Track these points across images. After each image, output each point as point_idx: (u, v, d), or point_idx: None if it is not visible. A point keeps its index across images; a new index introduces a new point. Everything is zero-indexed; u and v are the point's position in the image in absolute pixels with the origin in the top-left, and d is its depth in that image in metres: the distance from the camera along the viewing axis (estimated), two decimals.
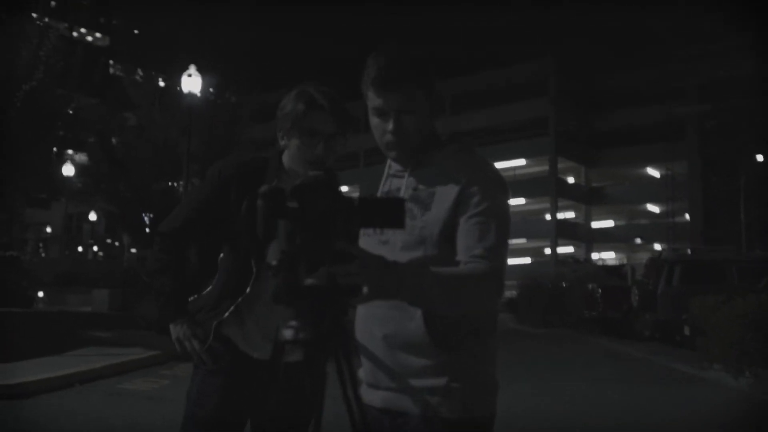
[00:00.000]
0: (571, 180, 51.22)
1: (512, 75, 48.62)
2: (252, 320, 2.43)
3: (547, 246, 46.10)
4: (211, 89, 20.93)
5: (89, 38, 71.27)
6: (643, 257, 33.90)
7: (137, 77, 22.35)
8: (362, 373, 1.98)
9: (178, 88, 17.52)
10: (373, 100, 1.95)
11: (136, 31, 65.30)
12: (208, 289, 2.53)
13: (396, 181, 2.03)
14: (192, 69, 16.33)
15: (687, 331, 13.01)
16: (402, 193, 1.99)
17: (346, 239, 1.52)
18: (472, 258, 1.79)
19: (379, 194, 2.04)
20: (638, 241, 44.73)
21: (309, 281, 1.46)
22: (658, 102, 43.14)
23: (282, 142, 2.47)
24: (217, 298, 2.46)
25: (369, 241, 1.97)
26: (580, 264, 30.32)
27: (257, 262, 2.38)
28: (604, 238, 49.47)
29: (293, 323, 1.47)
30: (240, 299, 2.41)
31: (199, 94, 17.39)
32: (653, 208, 49.47)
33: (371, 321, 1.96)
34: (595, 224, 50.91)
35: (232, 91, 21.98)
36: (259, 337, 2.41)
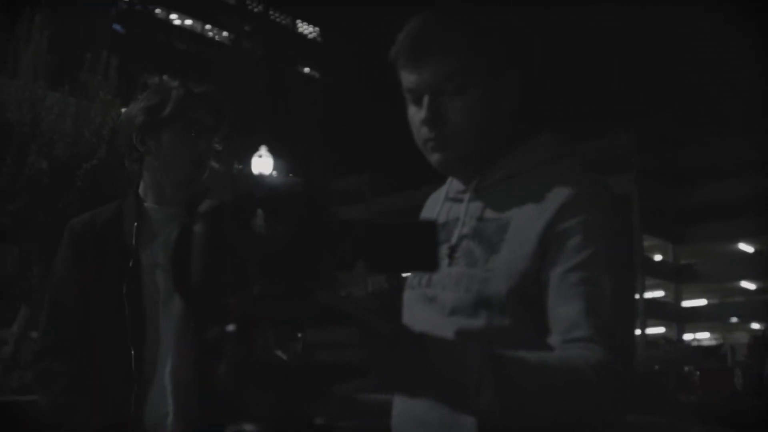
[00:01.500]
0: (658, 257, 49.58)
1: (593, 151, 47.85)
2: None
3: (635, 327, 44.28)
4: (290, 174, 21.07)
5: None
6: (741, 337, 31.99)
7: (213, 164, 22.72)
8: None
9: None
10: (405, 78, 1.29)
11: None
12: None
13: (455, 207, 1.38)
14: (263, 150, 16.35)
15: None
16: (460, 228, 1.32)
17: (337, 288, 0.94)
18: (574, 343, 1.12)
19: None
20: (734, 320, 42.63)
21: (274, 357, 0.90)
22: (747, 174, 41.68)
23: (142, 148, 1.90)
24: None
25: (413, 295, 1.36)
26: (673, 345, 28.88)
27: (137, 344, 1.73)
28: (696, 318, 47.35)
29: (248, 428, 0.90)
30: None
31: (272, 175, 17.38)
32: (748, 285, 47.19)
33: (408, 423, 1.27)
34: (686, 303, 48.87)
35: (306, 175, 22.06)
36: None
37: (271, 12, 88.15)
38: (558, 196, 1.20)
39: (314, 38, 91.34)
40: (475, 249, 1.26)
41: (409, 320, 1.33)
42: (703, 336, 46.85)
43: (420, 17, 1.29)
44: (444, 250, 1.30)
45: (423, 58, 1.26)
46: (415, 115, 1.32)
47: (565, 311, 1.14)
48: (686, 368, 19.50)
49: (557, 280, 1.16)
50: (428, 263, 0.99)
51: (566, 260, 1.17)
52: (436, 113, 1.28)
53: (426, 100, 1.28)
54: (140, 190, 1.95)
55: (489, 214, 1.29)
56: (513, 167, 1.30)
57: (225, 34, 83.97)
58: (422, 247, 0.97)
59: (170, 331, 1.76)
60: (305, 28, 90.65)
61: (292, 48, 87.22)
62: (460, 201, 1.36)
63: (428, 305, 1.29)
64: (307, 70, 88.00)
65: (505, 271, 1.20)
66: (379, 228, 0.97)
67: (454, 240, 1.31)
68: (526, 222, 1.21)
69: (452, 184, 1.42)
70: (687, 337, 45.00)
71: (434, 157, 1.31)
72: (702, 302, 48.79)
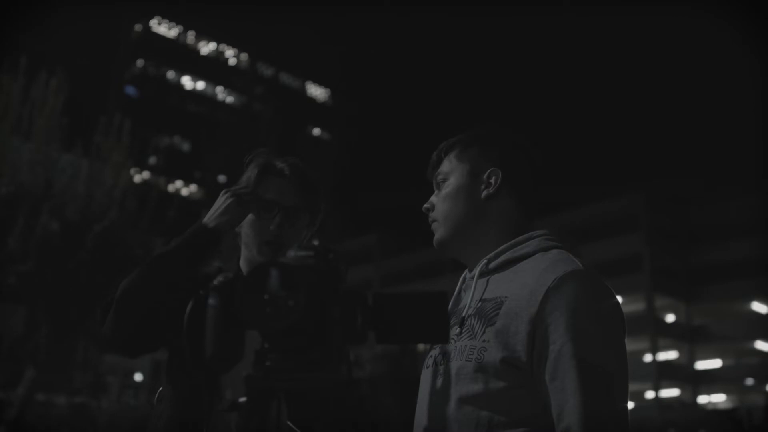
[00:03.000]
0: (670, 318, 48.97)
1: (602, 212, 47.82)
2: None
3: (648, 389, 43.44)
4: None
5: (184, 191, 74.99)
6: (757, 399, 31.40)
7: None
8: None
9: None
10: None
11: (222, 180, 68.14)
12: None
13: (466, 293, 1.61)
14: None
15: None
16: (466, 310, 1.52)
17: (351, 361, 0.93)
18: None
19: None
20: (749, 381, 41.81)
21: (287, 428, 0.89)
22: (759, 233, 41.40)
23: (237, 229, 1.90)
24: None
25: (427, 374, 1.56)
26: (688, 408, 28.32)
27: (211, 394, 1.63)
28: (711, 380, 46.53)
29: None
30: None
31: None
32: (763, 346, 46.44)
33: None
34: (701, 364, 48.08)
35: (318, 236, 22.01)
36: None
37: (281, 74, 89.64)
38: (545, 281, 1.40)
39: (324, 100, 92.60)
40: (476, 324, 1.46)
41: (422, 395, 1.53)
42: (719, 398, 45.99)
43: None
44: (455, 329, 1.51)
45: (435, 168, 1.69)
46: None
47: (551, 397, 1.34)
48: None
49: (549, 355, 1.35)
50: (439, 334, 0.98)
51: (555, 339, 1.35)
52: (430, 201, 1.66)
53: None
54: (240, 262, 1.93)
55: (488, 294, 1.50)
56: (509, 256, 1.54)
57: (236, 96, 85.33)
58: (433, 317, 0.96)
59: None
60: (315, 90, 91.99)
61: (302, 109, 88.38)
62: (469, 287, 1.57)
63: (439, 377, 1.47)
64: (317, 131, 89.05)
65: (501, 342, 1.39)
66: (389, 299, 0.96)
67: (460, 320, 1.52)
68: (519, 301, 1.41)
69: (465, 275, 1.66)
70: (702, 399, 44.16)
71: (435, 236, 1.64)
72: (716, 363, 48.00)
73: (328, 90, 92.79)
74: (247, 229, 1.86)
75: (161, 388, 1.79)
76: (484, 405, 1.35)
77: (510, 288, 1.46)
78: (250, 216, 1.84)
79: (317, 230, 1.97)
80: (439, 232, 1.62)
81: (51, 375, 12.41)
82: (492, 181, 1.59)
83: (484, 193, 1.59)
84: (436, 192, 1.66)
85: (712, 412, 27.75)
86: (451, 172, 1.63)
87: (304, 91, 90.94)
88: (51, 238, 11.38)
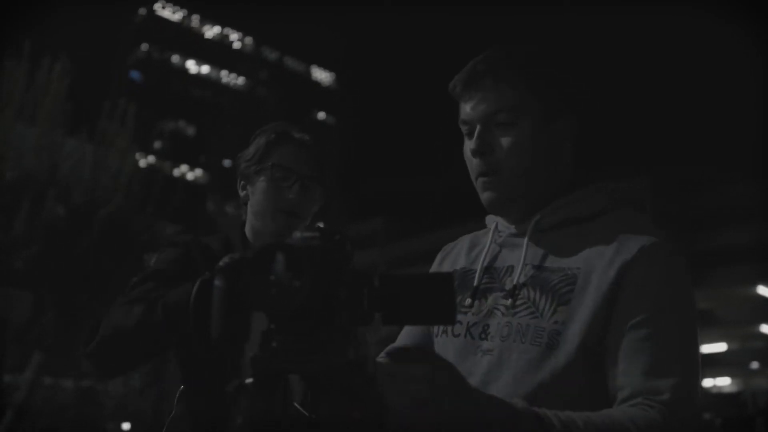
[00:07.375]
0: None
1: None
2: None
3: None
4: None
5: (189, 175, 75.05)
6: (761, 383, 31.39)
7: (227, 209, 22.89)
8: None
9: None
10: (462, 110, 1.32)
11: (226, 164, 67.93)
12: None
13: (506, 252, 1.33)
14: None
15: None
16: (517, 276, 1.26)
17: (357, 342, 0.93)
18: (637, 401, 1.11)
19: (478, 272, 1.32)
20: (755, 365, 41.85)
21: (294, 410, 0.89)
22: (765, 218, 41.29)
23: (242, 193, 1.87)
24: None
25: (461, 344, 1.27)
26: None
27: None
28: (716, 364, 46.56)
29: None
30: None
31: None
32: None
33: None
34: (706, 348, 48.09)
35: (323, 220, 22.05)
36: None
37: (286, 58, 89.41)
38: (622, 251, 1.20)
39: (329, 84, 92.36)
40: (540, 299, 1.21)
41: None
42: (724, 382, 46.03)
43: (482, 54, 1.31)
44: (497, 299, 1.28)
45: (478, 88, 1.27)
46: (468, 147, 1.31)
47: (627, 365, 1.14)
48: (707, 416, 19.09)
49: (620, 334, 1.15)
50: (446, 316, 0.97)
51: (630, 316, 1.16)
52: (485, 142, 1.27)
53: (477, 130, 1.28)
54: (247, 231, 1.88)
55: (551, 262, 1.25)
56: (569, 212, 1.29)
57: (240, 80, 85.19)
58: (440, 299, 0.95)
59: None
60: (320, 74, 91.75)
61: (307, 93, 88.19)
62: (514, 246, 1.31)
63: (483, 357, 1.23)
64: (321, 115, 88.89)
65: (579, 325, 1.17)
66: (396, 280, 0.95)
67: (508, 288, 1.28)
68: (594, 277, 1.19)
69: (498, 227, 1.37)
70: (707, 383, 44.21)
71: (485, 196, 1.30)
72: (722, 347, 48.01)
73: (333, 74, 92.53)
74: (260, 197, 1.81)
75: (182, 387, 1.75)
76: (557, 402, 1.10)
77: (581, 257, 1.22)
78: (264, 184, 1.81)
79: (325, 207, 1.93)
80: (501, 189, 1.28)
81: (58, 359, 12.49)
82: (567, 133, 1.32)
83: (559, 145, 1.32)
84: (478, 128, 1.28)
85: (717, 395, 27.78)
86: (520, 110, 1.26)
87: (309, 75, 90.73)
88: (57, 223, 11.41)
